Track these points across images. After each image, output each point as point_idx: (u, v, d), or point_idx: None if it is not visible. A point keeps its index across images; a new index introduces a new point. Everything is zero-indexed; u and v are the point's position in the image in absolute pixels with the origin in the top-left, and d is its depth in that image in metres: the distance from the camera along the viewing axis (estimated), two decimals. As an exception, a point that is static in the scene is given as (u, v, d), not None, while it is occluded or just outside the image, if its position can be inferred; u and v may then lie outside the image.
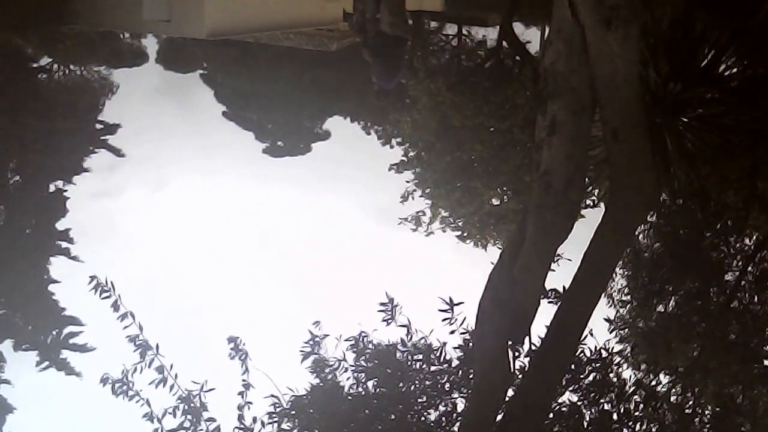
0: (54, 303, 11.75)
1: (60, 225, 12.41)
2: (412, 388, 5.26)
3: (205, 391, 4.97)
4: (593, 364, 5.34)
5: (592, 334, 5.28)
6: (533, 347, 4.84)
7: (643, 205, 4.07)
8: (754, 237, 8.44)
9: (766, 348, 7.56)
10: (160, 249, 14.21)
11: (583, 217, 6.90)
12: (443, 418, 5.23)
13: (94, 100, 14.87)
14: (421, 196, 10.78)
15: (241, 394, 5.12)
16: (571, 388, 5.24)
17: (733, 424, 6.03)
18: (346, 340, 5.41)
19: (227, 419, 5.09)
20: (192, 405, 4.93)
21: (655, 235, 8.85)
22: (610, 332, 7.53)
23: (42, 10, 10.69)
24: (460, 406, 5.24)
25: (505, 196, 10.34)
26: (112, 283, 4.94)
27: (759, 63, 7.32)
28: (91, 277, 4.93)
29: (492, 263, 4.35)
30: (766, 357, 7.43)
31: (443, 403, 5.26)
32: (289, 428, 5.21)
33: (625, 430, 5.28)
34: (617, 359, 5.67)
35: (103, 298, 4.92)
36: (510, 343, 4.57)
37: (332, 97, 17.06)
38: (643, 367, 7.27)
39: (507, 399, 4.57)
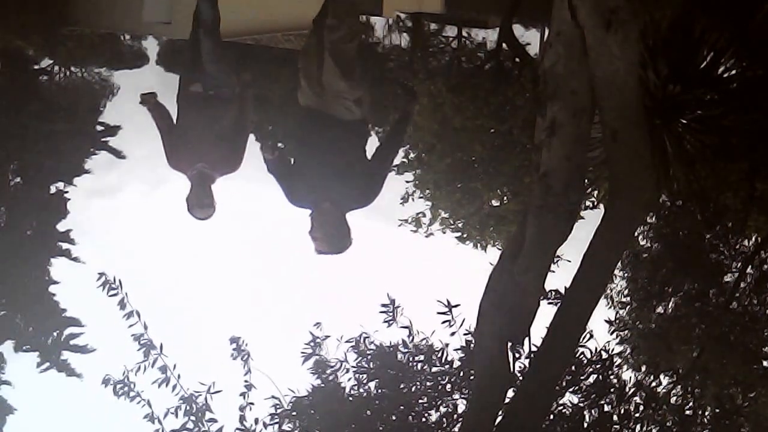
0: (55, 304, 11.79)
1: (61, 226, 12.43)
2: (414, 389, 5.27)
3: (212, 393, 4.98)
4: (593, 365, 5.34)
5: (592, 336, 5.30)
6: (533, 348, 4.85)
7: (643, 206, 4.09)
8: (754, 238, 8.47)
9: (765, 349, 7.58)
10: (161, 250, 14.26)
11: (582, 218, 6.91)
12: (444, 419, 5.24)
13: (95, 102, 14.86)
14: (421, 197, 10.79)
15: (243, 394, 5.14)
16: (571, 390, 5.25)
17: (733, 425, 6.04)
18: (347, 341, 5.42)
19: (228, 420, 5.11)
20: (194, 405, 4.94)
21: (655, 236, 8.88)
22: (610, 333, 7.54)
23: (43, 13, 10.73)
24: (461, 407, 5.25)
25: (505, 198, 10.35)
26: (120, 280, 4.94)
27: (758, 64, 7.31)
28: (99, 273, 4.93)
29: (492, 264, 4.36)
30: (766, 358, 7.46)
31: (444, 404, 5.27)
32: (290, 429, 5.22)
33: (625, 431, 5.29)
34: (617, 360, 5.69)
35: (110, 296, 4.93)
36: (510, 344, 4.58)
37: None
38: (643, 368, 7.29)
39: (507, 400, 4.59)
